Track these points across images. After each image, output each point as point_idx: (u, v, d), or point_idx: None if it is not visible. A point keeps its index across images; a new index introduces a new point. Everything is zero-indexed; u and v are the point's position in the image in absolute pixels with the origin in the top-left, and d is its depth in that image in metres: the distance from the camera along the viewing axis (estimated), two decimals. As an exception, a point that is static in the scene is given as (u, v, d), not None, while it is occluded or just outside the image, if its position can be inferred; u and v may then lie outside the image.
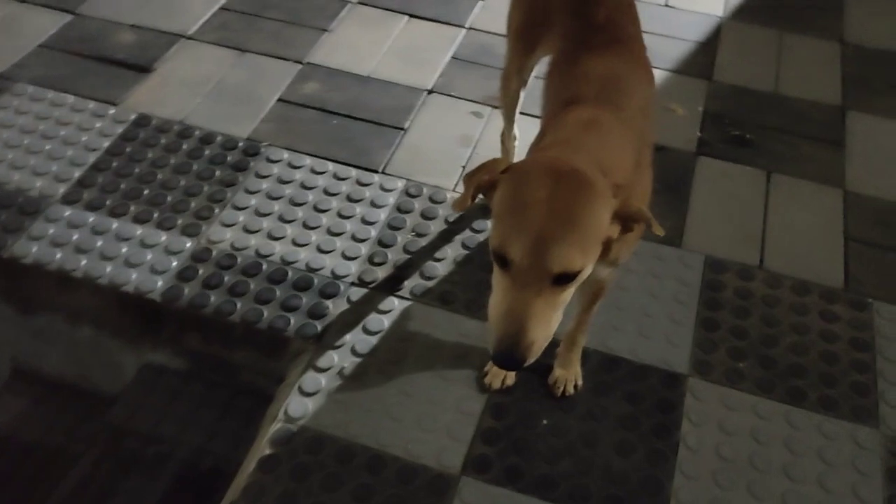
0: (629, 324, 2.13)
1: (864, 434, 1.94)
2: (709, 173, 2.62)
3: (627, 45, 1.71)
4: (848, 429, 1.94)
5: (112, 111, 2.65)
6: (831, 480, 1.85)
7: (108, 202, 2.34)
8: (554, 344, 2.02)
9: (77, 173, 2.42)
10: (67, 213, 2.29)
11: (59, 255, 2.18)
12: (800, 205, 2.54)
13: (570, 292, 1.24)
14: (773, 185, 2.60)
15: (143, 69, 2.84)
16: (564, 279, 1.19)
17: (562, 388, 1.95)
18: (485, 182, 1.29)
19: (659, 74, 1.86)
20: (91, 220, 2.28)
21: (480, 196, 1.33)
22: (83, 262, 2.17)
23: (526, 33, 2.01)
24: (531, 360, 1.21)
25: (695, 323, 2.15)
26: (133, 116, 2.63)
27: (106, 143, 2.52)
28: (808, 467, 1.87)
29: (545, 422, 1.91)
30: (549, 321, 1.21)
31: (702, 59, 3.10)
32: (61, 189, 2.37)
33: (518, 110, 2.32)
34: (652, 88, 1.73)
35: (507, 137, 2.39)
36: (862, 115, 2.91)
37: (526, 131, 2.52)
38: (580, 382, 1.97)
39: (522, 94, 2.26)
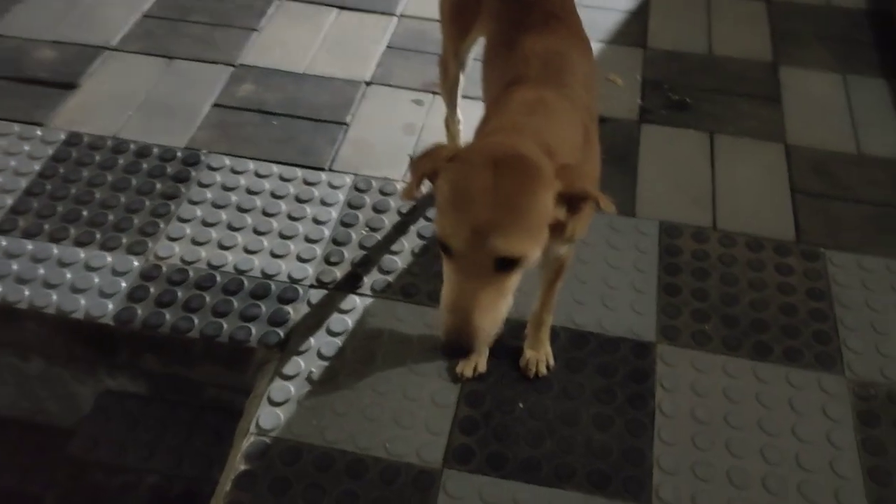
0: (593, 297, 2.13)
1: (830, 381, 1.98)
2: (653, 140, 2.64)
3: (563, 20, 1.69)
4: (815, 377, 1.98)
5: (39, 132, 2.53)
6: (804, 430, 1.88)
7: (46, 227, 2.23)
8: (522, 326, 2.01)
9: (9, 200, 2.30)
10: (4, 243, 2.19)
11: (0, 289, 2.08)
12: (745, 163, 2.57)
13: (516, 278, 1.24)
14: (717, 145, 2.63)
15: (68, 86, 2.72)
16: (508, 265, 1.19)
17: (534, 370, 1.94)
18: (429, 170, 1.28)
19: (595, 47, 1.85)
20: (30, 247, 2.18)
21: (428, 183, 1.30)
22: (26, 293, 2.07)
23: (458, 17, 1.98)
24: (480, 347, 1.22)
25: (657, 289, 2.16)
26: (63, 136, 2.52)
27: (37, 166, 2.41)
28: (781, 419, 1.90)
29: (521, 405, 1.90)
30: (495, 308, 1.21)
31: (635, 28, 3.11)
32: (-6, 219, 2.26)
33: (459, 94, 2.29)
34: (592, 62, 1.72)
35: (451, 122, 2.37)
36: (793, 69, 2.96)
37: (469, 115, 2.49)
38: (552, 362, 1.96)
39: (462, 78, 2.23)
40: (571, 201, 1.26)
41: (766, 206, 2.43)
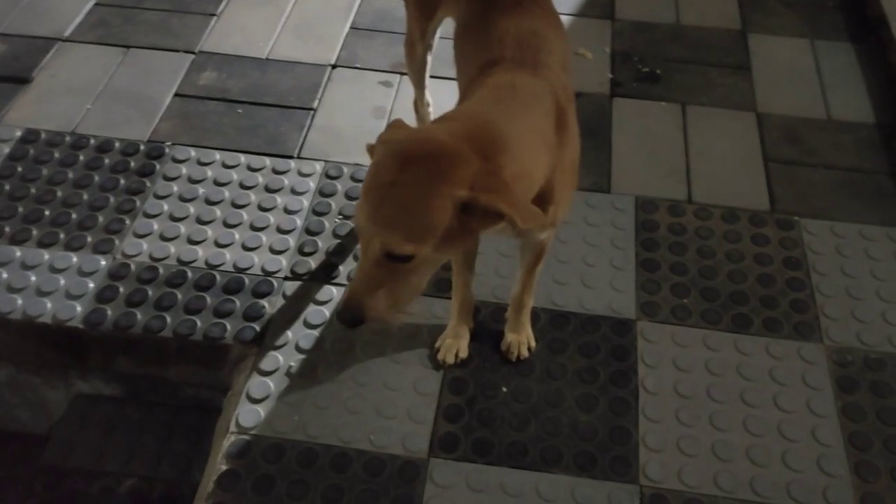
0: (572, 276, 2.11)
1: (809, 349, 1.99)
2: (626, 113, 2.62)
3: (537, 0, 1.64)
4: (794, 347, 1.99)
5: (-7, 130, 2.44)
6: (785, 400, 1.89)
7: (6, 229, 2.16)
8: (502, 309, 1.99)
9: (-34, 203, 2.23)
10: (-37, 249, 2.11)
11: (-40, 296, 2.01)
12: (717, 133, 2.56)
13: (415, 268, 1.24)
14: (689, 117, 2.62)
15: (21, 80, 2.62)
16: (399, 258, 1.22)
17: (516, 353, 1.92)
18: (370, 150, 1.31)
19: (562, 20, 1.83)
20: (-10, 252, 2.11)
21: None
22: (-11, 299, 2.00)
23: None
24: (375, 321, 1.28)
25: (635, 265, 2.15)
26: (18, 133, 2.43)
27: (-7, 167, 2.33)
28: (763, 391, 1.90)
29: (505, 389, 1.88)
30: (390, 291, 1.25)
31: (601, 0, 3.07)
32: (-49, 223, 2.18)
33: (427, 75, 2.24)
34: (566, 41, 1.69)
35: (419, 104, 2.32)
36: (762, 36, 2.95)
37: (438, 95, 2.45)
38: (533, 344, 1.95)
39: (430, 59, 2.18)
40: (485, 212, 1.21)
41: (740, 176, 2.43)
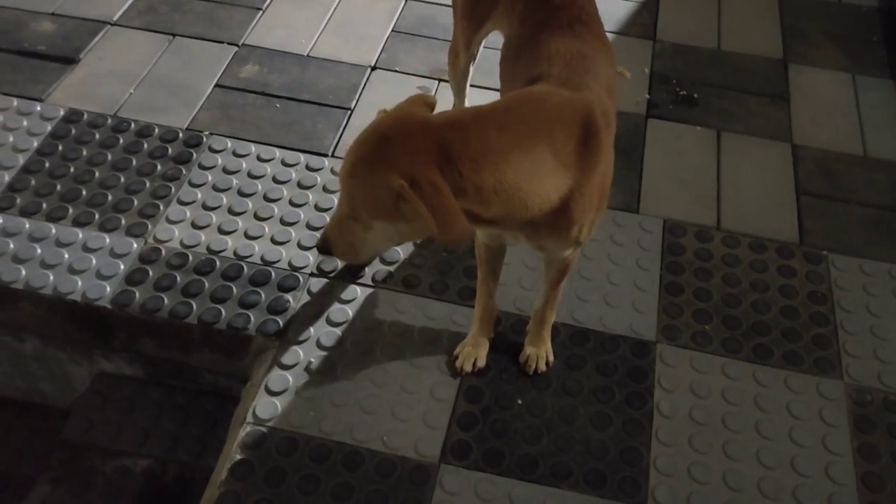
0: (595, 293, 2.12)
1: (828, 386, 1.98)
2: (660, 135, 2.62)
3: (588, 25, 1.66)
4: (813, 382, 1.98)
5: (38, 108, 2.49)
6: (801, 434, 1.88)
7: (44, 206, 2.21)
8: (522, 321, 2.00)
9: (7, 177, 2.27)
10: (0, 221, 2.16)
11: (-5, 267, 2.06)
12: (751, 161, 2.56)
13: (368, 230, 1.37)
14: (724, 143, 2.61)
15: (68, 61, 2.68)
16: (350, 215, 1.37)
17: (534, 366, 1.93)
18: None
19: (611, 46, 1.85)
20: (27, 226, 2.15)
21: None
22: (23, 273, 2.05)
23: (473, 10, 1.95)
24: (336, 255, 1.48)
25: (659, 288, 2.15)
26: (62, 112, 2.48)
27: (35, 143, 2.38)
28: (779, 423, 1.90)
29: (520, 401, 1.89)
30: (347, 237, 1.41)
31: (644, 20, 3.08)
32: (-9, 195, 2.23)
33: (468, 84, 2.26)
34: (614, 66, 1.70)
35: (457, 112, 2.33)
36: (803, 67, 2.94)
37: (477, 103, 2.46)
38: (552, 358, 1.95)
39: (472, 68, 2.20)
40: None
41: (771, 206, 2.42)
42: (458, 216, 1.27)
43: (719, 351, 2.03)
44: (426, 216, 1.24)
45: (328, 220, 1.51)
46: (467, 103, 2.33)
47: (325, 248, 1.45)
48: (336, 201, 2.25)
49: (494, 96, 2.63)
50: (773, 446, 1.85)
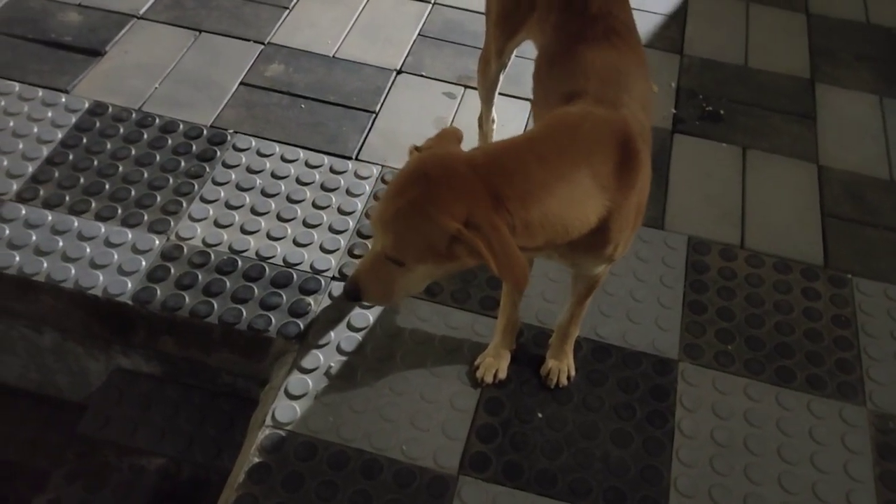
0: (618, 309, 2.10)
1: (851, 412, 1.96)
2: (685, 151, 2.60)
3: (624, 36, 1.64)
4: (836, 407, 1.96)
5: (63, 99, 2.49)
6: (823, 460, 1.86)
7: (67, 199, 2.20)
8: (545, 334, 1.99)
9: (30, 168, 2.27)
10: (24, 213, 2.15)
11: (17, 259, 2.04)
12: (776, 181, 2.54)
13: (406, 273, 1.34)
14: (749, 161, 2.59)
15: (94, 53, 2.67)
16: (392, 259, 1.32)
17: (555, 380, 1.91)
18: (411, 152, 1.39)
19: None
20: (50, 218, 2.14)
21: None
22: (45, 265, 2.04)
23: (507, 19, 1.94)
24: (368, 301, 1.44)
25: (682, 306, 2.13)
26: (87, 104, 2.48)
27: (60, 135, 2.37)
28: (801, 448, 1.88)
29: (540, 415, 1.88)
30: (381, 280, 1.36)
31: (672, 33, 3.06)
32: (14, 186, 2.22)
33: (497, 93, 2.25)
34: (648, 80, 1.68)
35: (484, 121, 2.33)
36: (830, 87, 2.92)
37: (504, 112, 2.46)
38: (573, 373, 1.94)
39: (501, 77, 2.19)
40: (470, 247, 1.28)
41: (796, 227, 2.40)
42: (518, 255, 1.27)
43: (742, 372, 2.01)
44: (488, 257, 1.24)
45: (358, 265, 1.41)
46: (494, 114, 2.31)
47: (354, 293, 1.39)
48: (359, 206, 2.25)
49: (520, 105, 2.64)
50: (795, 471, 1.83)
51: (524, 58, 2.52)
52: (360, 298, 1.40)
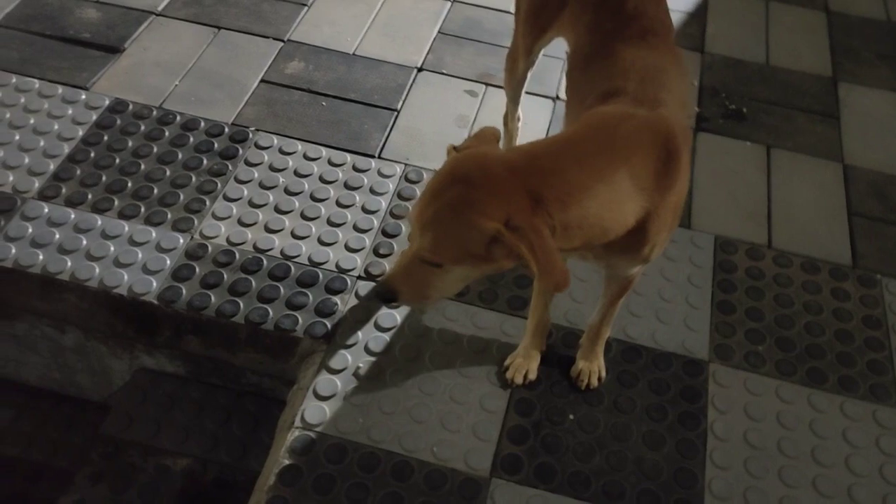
0: (647, 309, 2.08)
1: (885, 414, 1.94)
2: (710, 149, 2.58)
3: (661, 35, 1.62)
4: (869, 409, 1.94)
5: (84, 96, 2.46)
6: (858, 462, 1.84)
7: (89, 197, 2.18)
8: (575, 335, 1.97)
9: (52, 166, 2.25)
10: (46, 211, 2.13)
11: (41, 257, 2.02)
12: (801, 180, 2.51)
13: (443, 275, 1.32)
14: (774, 160, 2.57)
15: (113, 49, 2.65)
16: (429, 261, 1.30)
17: (586, 381, 1.89)
18: (449, 152, 1.37)
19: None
20: (73, 217, 2.12)
21: None
22: (69, 264, 2.02)
23: (537, 16, 1.91)
24: (399, 302, 1.47)
25: (711, 306, 2.11)
26: (107, 102, 2.45)
27: (81, 132, 2.35)
28: (835, 450, 1.86)
29: (572, 416, 1.86)
30: (417, 282, 1.34)
31: (693, 30, 3.04)
32: (37, 184, 2.20)
33: (523, 91, 2.22)
34: (686, 79, 1.66)
35: (510, 119, 2.30)
36: (853, 86, 2.90)
37: (528, 111, 2.44)
38: (604, 374, 1.92)
39: (529, 75, 2.16)
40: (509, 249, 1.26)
41: (823, 226, 2.38)
42: (558, 256, 1.25)
43: (773, 373, 1.99)
44: (529, 259, 1.22)
45: (392, 267, 1.40)
46: (519, 112, 2.29)
47: (388, 294, 1.36)
48: (383, 205, 2.23)
49: (543, 103, 2.62)
50: (830, 474, 1.81)
51: (549, 56, 2.51)
52: (394, 300, 1.38)
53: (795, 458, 1.83)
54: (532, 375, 1.90)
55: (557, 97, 2.64)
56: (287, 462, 1.72)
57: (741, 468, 1.80)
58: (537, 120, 2.54)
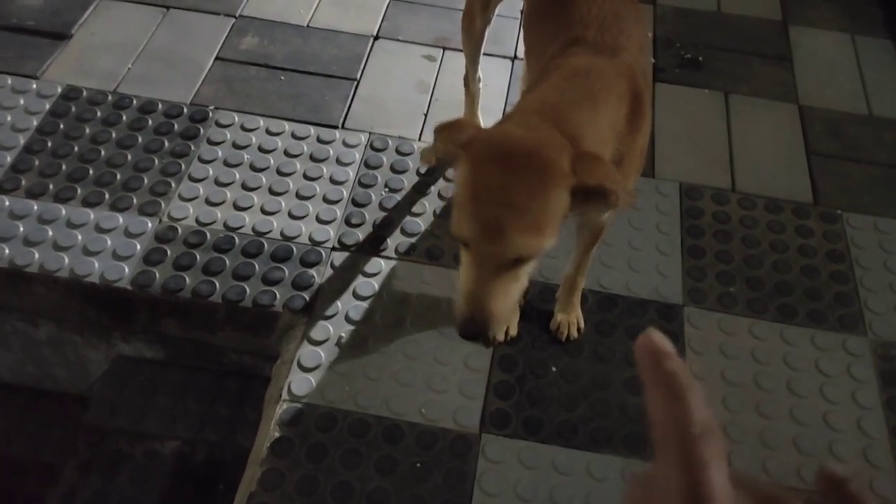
0: (618, 259, 2.12)
1: (854, 342, 2.00)
2: (669, 99, 2.61)
3: None
4: (839, 339, 2.00)
5: (34, 85, 2.40)
6: (832, 391, 1.91)
7: (50, 187, 2.13)
8: (551, 289, 1.99)
9: (9, 158, 2.19)
10: (7, 204, 2.08)
11: (6, 251, 1.98)
12: (760, 123, 2.56)
13: (530, 266, 1.24)
14: (732, 105, 2.61)
15: (60, 36, 2.58)
16: (520, 259, 1.20)
17: (566, 333, 1.93)
18: (450, 153, 1.27)
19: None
20: (35, 208, 2.08)
21: None
22: (36, 256, 1.98)
23: (493, -31, 1.91)
24: (496, 331, 1.24)
25: (681, 251, 2.15)
26: (59, 89, 2.39)
27: (35, 122, 2.29)
28: (809, 381, 1.92)
29: (554, 368, 1.89)
30: (509, 294, 1.24)
31: (644, -17, 3.05)
32: (-6, 177, 2.15)
33: (482, 51, 2.22)
34: (644, 23, 1.67)
35: (471, 80, 2.29)
36: (803, 28, 2.95)
37: (486, 72, 2.43)
38: (582, 325, 1.95)
39: (486, 34, 2.16)
40: (588, 193, 1.22)
41: (783, 167, 2.43)
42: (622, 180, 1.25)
43: (745, 312, 2.04)
44: (615, 188, 1.19)
45: (458, 293, 1.25)
46: (480, 72, 2.29)
47: (485, 329, 1.21)
48: (351, 175, 2.22)
49: (501, 63, 2.62)
50: (806, 403, 1.88)
51: (504, 17, 2.51)
52: (489, 333, 1.23)
53: (772, 392, 1.89)
54: (513, 332, 1.92)
55: (516, 57, 2.65)
56: (278, 434, 1.73)
57: (720, 405, 1.86)
58: (497, 81, 2.54)
